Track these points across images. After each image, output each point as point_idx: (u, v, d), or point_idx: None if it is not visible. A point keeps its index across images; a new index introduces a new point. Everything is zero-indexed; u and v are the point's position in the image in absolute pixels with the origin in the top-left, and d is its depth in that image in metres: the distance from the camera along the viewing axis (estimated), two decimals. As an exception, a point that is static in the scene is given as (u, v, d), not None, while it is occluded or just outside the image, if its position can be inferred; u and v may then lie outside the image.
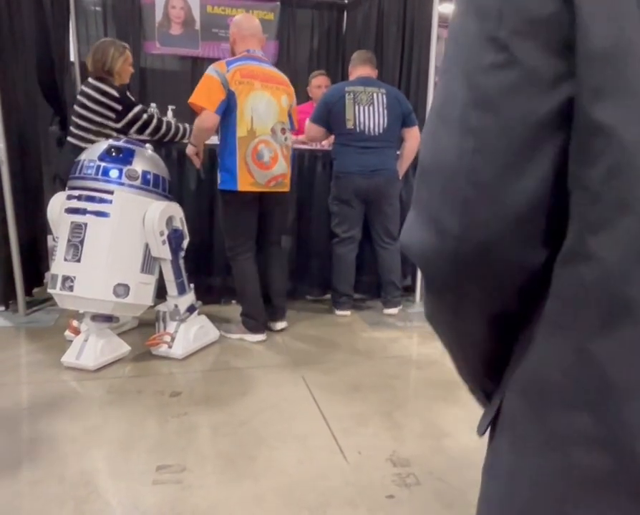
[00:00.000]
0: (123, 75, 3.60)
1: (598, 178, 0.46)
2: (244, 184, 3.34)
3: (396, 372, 3.22)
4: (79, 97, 3.51)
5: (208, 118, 3.23)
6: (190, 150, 3.47)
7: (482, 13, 0.49)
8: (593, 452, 0.47)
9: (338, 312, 4.16)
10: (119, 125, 3.47)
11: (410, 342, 3.78)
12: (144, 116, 3.53)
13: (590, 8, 0.45)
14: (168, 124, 3.66)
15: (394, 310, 4.18)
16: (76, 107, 3.50)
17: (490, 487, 0.61)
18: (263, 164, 3.36)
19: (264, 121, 3.35)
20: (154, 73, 5.36)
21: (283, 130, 3.45)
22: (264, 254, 3.63)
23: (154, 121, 3.56)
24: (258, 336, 3.59)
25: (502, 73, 0.47)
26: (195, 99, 3.23)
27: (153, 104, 4.11)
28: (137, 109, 3.51)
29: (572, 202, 0.48)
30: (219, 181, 3.42)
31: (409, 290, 4.49)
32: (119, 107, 3.45)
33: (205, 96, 3.22)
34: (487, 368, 0.63)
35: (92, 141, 3.31)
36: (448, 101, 0.52)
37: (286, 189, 3.57)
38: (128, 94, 3.62)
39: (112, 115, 3.45)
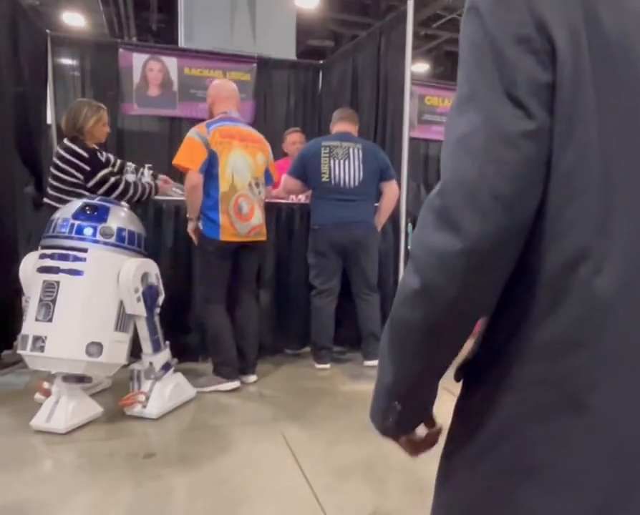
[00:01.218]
0: (96, 134, 3.60)
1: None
2: (227, 234, 3.49)
3: (377, 425, 3.13)
4: (53, 158, 3.53)
5: (193, 177, 3.40)
6: (190, 227, 3.56)
7: (499, 70, 0.65)
8: (539, 390, 0.67)
9: (318, 366, 4.08)
10: (88, 185, 3.44)
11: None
12: (112, 179, 3.49)
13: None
14: (135, 186, 3.61)
15: (374, 362, 4.09)
16: (51, 168, 3.50)
17: (462, 423, 0.78)
18: (243, 216, 3.55)
19: (243, 177, 3.55)
20: (132, 134, 5.39)
21: (257, 184, 3.65)
22: (239, 306, 3.70)
23: (122, 185, 3.52)
24: (233, 383, 3.58)
25: (522, 123, 0.63)
26: (179, 160, 3.44)
27: (130, 163, 4.10)
28: (104, 171, 3.49)
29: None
30: (201, 229, 3.52)
31: (390, 341, 4.43)
32: (87, 168, 3.43)
33: (188, 157, 3.41)
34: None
35: (67, 201, 3.26)
36: (471, 134, 0.66)
37: (264, 238, 3.75)
38: (101, 154, 3.61)
39: (81, 176, 3.43)
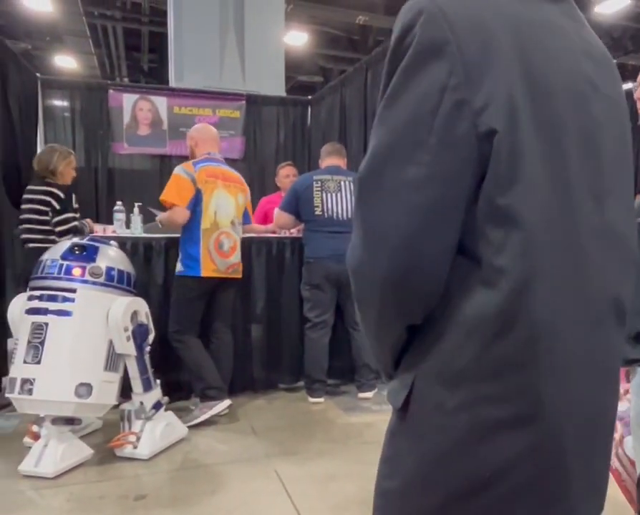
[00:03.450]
0: (66, 176, 3.94)
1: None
2: (207, 270, 3.56)
3: (373, 458, 3.01)
4: (24, 196, 3.83)
5: (180, 213, 3.49)
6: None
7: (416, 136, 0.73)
8: (498, 407, 0.72)
9: (312, 399, 4.03)
10: (53, 221, 3.76)
11: (387, 426, 3.65)
12: (72, 223, 3.83)
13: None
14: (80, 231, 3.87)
15: (369, 394, 4.07)
16: (22, 207, 3.79)
17: (403, 444, 0.81)
18: (224, 253, 3.64)
19: (225, 216, 3.66)
20: (122, 172, 5.41)
21: (239, 224, 3.81)
22: (215, 338, 3.78)
23: (73, 229, 3.83)
24: (225, 402, 3.61)
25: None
26: (167, 196, 3.51)
27: (119, 202, 4.12)
28: (67, 215, 3.82)
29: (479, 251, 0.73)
30: (180, 268, 3.58)
31: (384, 372, 4.39)
32: (57, 206, 3.79)
33: (176, 193, 3.49)
34: (393, 358, 0.86)
35: (38, 239, 3.68)
36: (382, 175, 0.74)
37: (240, 276, 3.84)
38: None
39: (49, 210, 3.77)
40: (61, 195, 3.82)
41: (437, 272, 0.74)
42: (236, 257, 3.74)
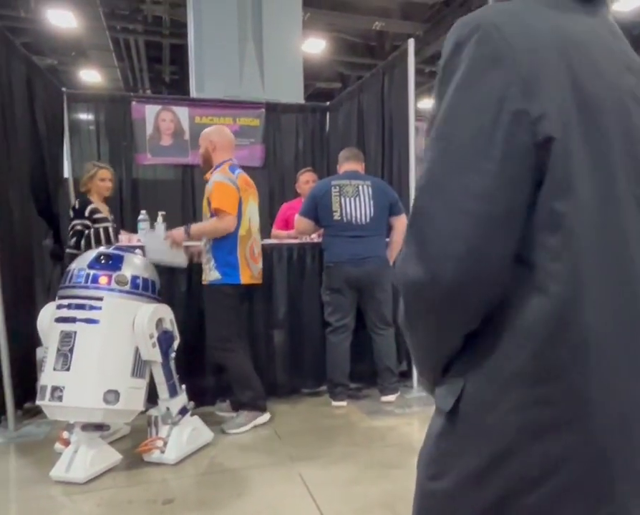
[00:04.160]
0: (95, 190, 4.27)
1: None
2: (245, 277, 3.55)
3: (396, 461, 3.07)
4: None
5: (232, 221, 3.45)
6: (180, 237, 3.51)
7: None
8: (547, 409, 0.73)
9: (335, 403, 4.02)
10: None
11: (410, 429, 3.63)
12: (76, 228, 4.11)
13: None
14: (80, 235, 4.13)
15: (391, 397, 4.05)
16: None
17: (453, 445, 0.81)
18: (255, 258, 3.66)
19: (255, 222, 3.69)
20: (146, 182, 5.46)
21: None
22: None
23: (75, 238, 4.10)
24: (267, 414, 3.68)
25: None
26: (222, 205, 3.41)
27: (143, 212, 4.16)
28: (73, 222, 4.14)
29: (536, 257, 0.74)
30: (217, 276, 3.48)
31: (406, 375, 4.36)
32: (71, 215, 4.16)
33: (228, 202, 3.43)
34: (442, 367, 0.86)
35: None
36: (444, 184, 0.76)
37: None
38: (92, 208, 4.17)
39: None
40: (76, 205, 4.18)
41: (500, 280, 0.76)
42: (261, 263, 3.76)
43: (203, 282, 3.57)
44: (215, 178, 3.50)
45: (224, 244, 3.48)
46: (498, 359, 0.76)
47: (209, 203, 3.48)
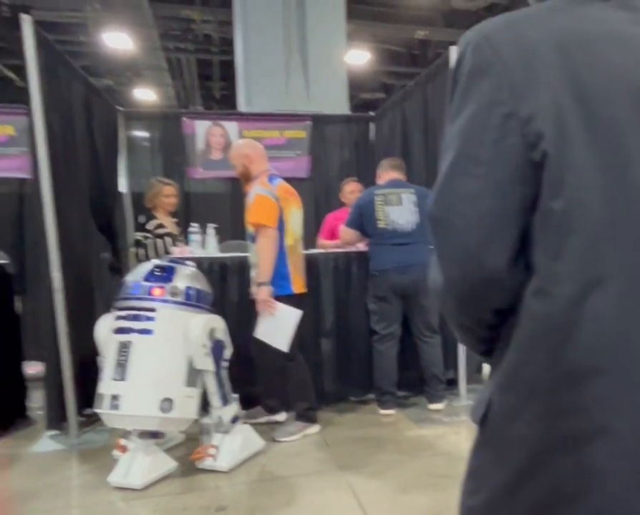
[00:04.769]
0: (160, 205, 4.40)
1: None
2: (298, 286, 3.54)
3: (445, 470, 2.99)
4: None
5: (272, 233, 3.35)
6: (266, 294, 3.32)
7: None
8: (573, 418, 0.68)
9: (382, 412, 3.96)
10: None
11: (458, 438, 3.54)
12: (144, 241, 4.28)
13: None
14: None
15: (439, 405, 3.96)
16: None
17: (485, 458, 0.78)
18: (302, 267, 3.64)
19: (299, 230, 3.65)
20: (197, 196, 5.53)
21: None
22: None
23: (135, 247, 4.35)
24: (317, 425, 3.64)
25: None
26: (258, 219, 3.35)
27: (195, 224, 4.21)
28: (135, 233, 4.39)
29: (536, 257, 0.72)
30: (271, 289, 3.37)
31: (453, 383, 4.26)
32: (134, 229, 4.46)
33: (266, 215, 3.35)
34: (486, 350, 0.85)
35: None
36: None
37: None
38: (157, 224, 4.31)
39: None
40: (141, 220, 4.36)
41: (503, 283, 0.74)
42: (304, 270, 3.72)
43: (256, 297, 3.43)
44: (255, 190, 3.42)
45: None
46: (517, 366, 0.74)
47: (249, 215, 3.46)
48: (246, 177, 3.58)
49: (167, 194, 4.40)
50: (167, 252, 4.13)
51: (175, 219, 4.47)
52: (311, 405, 3.59)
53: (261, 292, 3.33)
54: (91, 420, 3.78)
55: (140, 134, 5.72)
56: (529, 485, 0.71)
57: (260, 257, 3.37)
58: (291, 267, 3.47)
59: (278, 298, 3.40)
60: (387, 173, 4.17)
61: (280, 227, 3.41)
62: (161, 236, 4.30)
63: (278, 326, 3.37)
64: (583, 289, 0.68)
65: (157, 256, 3.99)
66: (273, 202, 3.38)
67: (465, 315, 0.81)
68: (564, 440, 0.69)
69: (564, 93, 0.72)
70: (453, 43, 5.34)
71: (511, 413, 0.73)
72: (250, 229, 3.47)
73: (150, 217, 4.37)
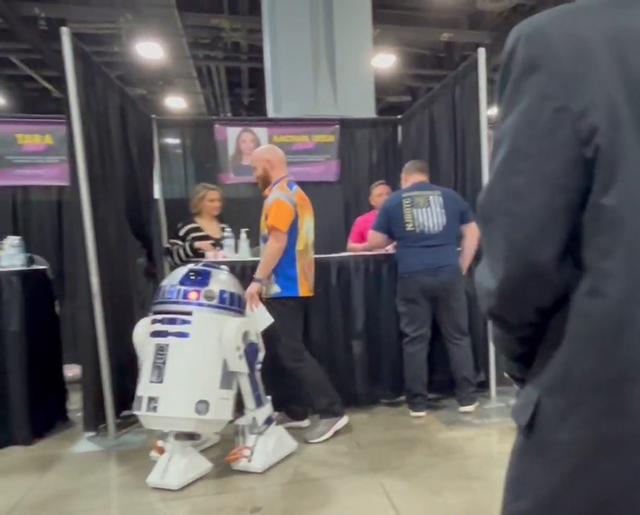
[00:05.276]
0: (204, 209, 4.47)
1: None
2: (304, 289, 3.56)
3: (477, 473, 2.95)
4: None
5: (283, 239, 3.42)
6: (256, 289, 3.37)
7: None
8: (620, 422, 0.65)
9: (413, 414, 3.92)
10: None
11: (489, 440, 3.49)
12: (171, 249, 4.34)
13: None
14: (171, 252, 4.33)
15: (470, 408, 3.90)
16: None
17: (532, 463, 0.75)
18: (310, 272, 3.66)
19: (311, 237, 3.70)
20: (229, 201, 5.52)
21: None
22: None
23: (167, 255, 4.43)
24: (345, 417, 3.61)
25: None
26: (279, 224, 3.40)
27: (228, 228, 4.24)
28: (171, 241, 4.41)
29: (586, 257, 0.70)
30: (277, 289, 3.48)
31: (484, 385, 4.20)
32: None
33: (284, 220, 3.42)
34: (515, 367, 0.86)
35: None
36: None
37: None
38: (189, 228, 4.35)
39: None
40: (177, 225, 4.40)
41: (550, 281, 0.72)
42: (313, 276, 3.74)
43: (263, 296, 3.48)
44: (275, 195, 3.49)
45: (283, 259, 3.48)
46: (563, 367, 0.71)
47: (266, 218, 3.49)
48: (265, 182, 3.64)
49: (211, 198, 4.47)
50: (194, 254, 4.13)
51: (222, 225, 4.48)
52: (331, 399, 3.56)
53: (252, 287, 3.37)
54: (128, 422, 3.83)
55: (172, 141, 5.76)
56: (573, 492, 0.69)
57: (265, 255, 3.47)
58: (299, 270, 3.52)
59: (285, 299, 3.48)
60: (413, 176, 4.13)
61: (294, 232, 3.49)
62: (191, 240, 4.31)
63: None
64: (632, 288, 0.66)
65: (182, 262, 3.99)
66: (290, 208, 3.46)
67: (509, 313, 0.78)
68: (611, 445, 0.67)
69: (617, 88, 0.70)
70: (479, 45, 5.28)
71: (559, 415, 0.71)
72: (265, 231, 3.54)
73: (187, 222, 4.39)
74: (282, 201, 3.45)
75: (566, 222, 0.71)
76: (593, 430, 0.67)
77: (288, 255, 3.48)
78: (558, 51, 0.71)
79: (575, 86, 0.70)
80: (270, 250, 3.43)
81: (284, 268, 3.49)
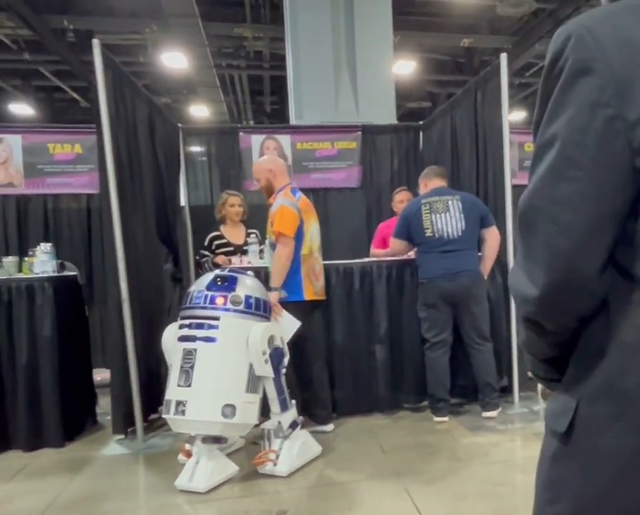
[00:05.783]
0: (228, 215, 4.56)
1: None
2: (309, 293, 3.60)
3: (501, 478, 2.91)
4: None
5: (291, 244, 3.48)
6: (275, 298, 3.36)
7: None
8: None
9: (437, 419, 3.89)
10: None
11: (513, 446, 3.45)
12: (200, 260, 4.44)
13: None
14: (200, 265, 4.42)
15: (493, 413, 3.86)
16: None
17: (570, 467, 0.74)
18: (317, 276, 3.70)
19: (317, 241, 3.75)
20: (253, 207, 5.56)
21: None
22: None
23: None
24: (331, 425, 3.73)
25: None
26: (285, 229, 3.46)
27: (253, 235, 4.26)
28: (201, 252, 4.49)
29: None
30: (284, 294, 3.49)
31: (507, 390, 4.15)
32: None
33: (290, 226, 3.48)
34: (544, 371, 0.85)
35: None
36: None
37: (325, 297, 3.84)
38: (212, 236, 4.47)
39: None
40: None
41: (595, 290, 0.71)
42: (323, 279, 3.79)
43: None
44: (279, 201, 3.55)
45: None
46: (610, 375, 0.70)
47: (272, 225, 3.54)
48: (269, 191, 3.72)
49: (231, 203, 4.56)
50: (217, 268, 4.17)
51: (250, 230, 4.51)
52: (323, 405, 3.70)
53: (272, 297, 3.36)
54: (156, 426, 3.86)
55: (198, 149, 5.82)
56: (615, 499, 0.69)
57: (275, 263, 3.50)
58: (304, 275, 3.57)
59: (291, 303, 3.48)
60: (432, 181, 4.11)
61: (299, 238, 3.54)
62: (219, 247, 4.35)
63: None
64: None
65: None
66: (295, 213, 3.51)
67: (547, 320, 0.76)
68: None
69: None
70: (499, 50, 5.24)
71: (601, 425, 0.70)
72: (271, 238, 3.59)
73: (213, 230, 4.48)
74: (286, 207, 3.51)
75: (612, 232, 0.69)
76: (636, 438, 0.66)
77: (293, 261, 3.53)
78: (610, 55, 0.68)
79: (629, 92, 0.66)
80: (280, 256, 3.48)
81: (289, 273, 3.52)
